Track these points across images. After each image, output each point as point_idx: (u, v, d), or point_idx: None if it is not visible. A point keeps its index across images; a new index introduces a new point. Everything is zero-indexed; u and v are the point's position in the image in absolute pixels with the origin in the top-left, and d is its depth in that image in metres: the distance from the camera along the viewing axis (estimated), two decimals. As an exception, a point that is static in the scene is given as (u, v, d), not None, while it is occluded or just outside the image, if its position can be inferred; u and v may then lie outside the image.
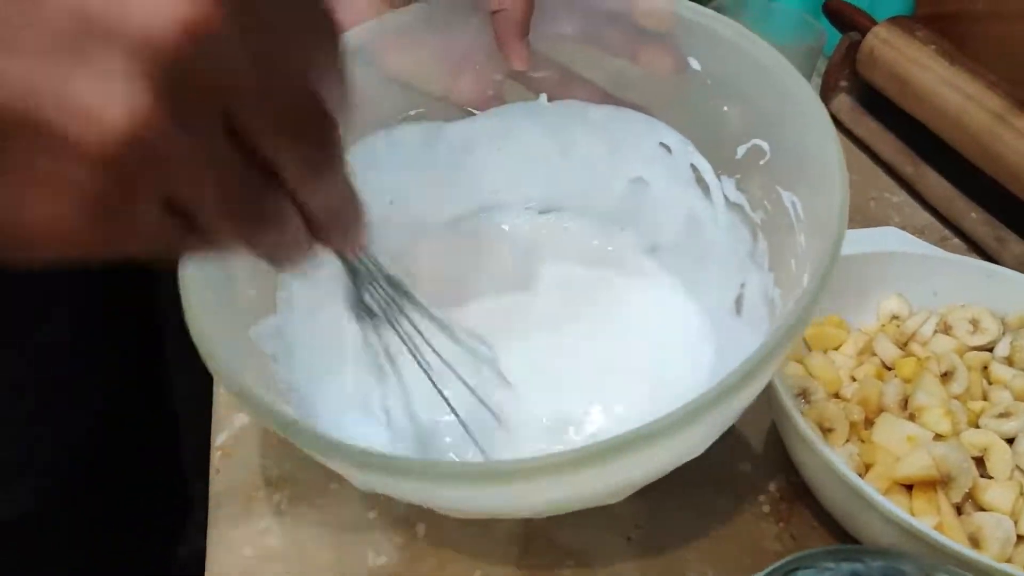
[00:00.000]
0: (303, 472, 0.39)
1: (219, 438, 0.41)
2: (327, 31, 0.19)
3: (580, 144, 0.45)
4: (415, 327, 0.34)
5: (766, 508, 0.39)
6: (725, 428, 0.32)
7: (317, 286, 0.40)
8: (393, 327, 0.33)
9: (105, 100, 0.15)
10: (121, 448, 0.60)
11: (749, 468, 0.40)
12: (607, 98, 0.43)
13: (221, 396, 0.43)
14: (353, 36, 0.40)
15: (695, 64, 0.39)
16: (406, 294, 0.33)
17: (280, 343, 0.37)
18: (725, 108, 0.39)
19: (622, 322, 0.43)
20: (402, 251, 0.45)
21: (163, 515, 0.68)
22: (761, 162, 0.38)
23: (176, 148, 0.16)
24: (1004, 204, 0.52)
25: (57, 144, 0.15)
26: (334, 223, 0.21)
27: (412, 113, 0.43)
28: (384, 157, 0.42)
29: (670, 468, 0.32)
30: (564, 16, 0.42)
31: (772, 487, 0.39)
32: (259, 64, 0.16)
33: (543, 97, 0.44)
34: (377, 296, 0.32)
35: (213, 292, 0.32)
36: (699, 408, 0.26)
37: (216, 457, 0.40)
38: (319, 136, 0.19)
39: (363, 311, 0.32)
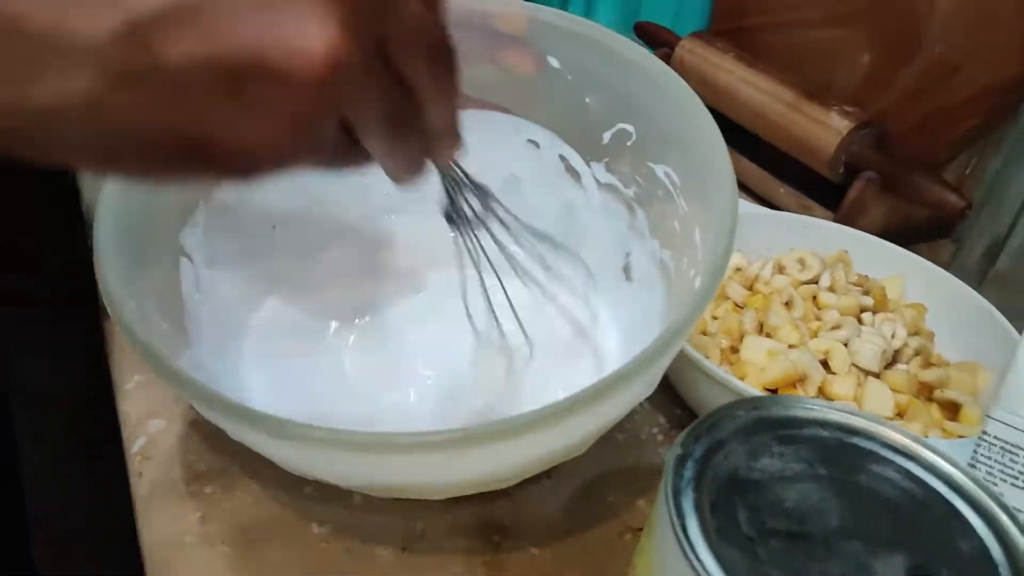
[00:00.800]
0: (232, 465, 0.40)
1: (135, 445, 0.41)
2: None
3: None
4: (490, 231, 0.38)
5: (660, 437, 0.44)
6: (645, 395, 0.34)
7: (224, 312, 0.40)
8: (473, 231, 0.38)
9: (310, 37, 0.19)
10: None
11: (639, 407, 0.46)
12: (469, 102, 0.45)
13: (128, 408, 0.43)
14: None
15: (554, 62, 0.43)
16: (491, 197, 0.38)
17: (204, 377, 0.36)
18: (587, 100, 0.43)
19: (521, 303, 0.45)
20: (305, 256, 0.46)
21: None
22: (628, 143, 0.42)
23: (357, 70, 0.20)
24: (805, 177, 0.62)
25: (277, 77, 0.19)
26: (446, 137, 0.26)
27: None
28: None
29: (590, 438, 0.34)
30: None
31: (662, 419, 0.45)
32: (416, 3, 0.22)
33: None
34: (465, 203, 0.37)
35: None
36: (625, 375, 0.28)
37: (136, 462, 0.40)
38: (451, 62, 0.24)
39: (456, 216, 0.37)
